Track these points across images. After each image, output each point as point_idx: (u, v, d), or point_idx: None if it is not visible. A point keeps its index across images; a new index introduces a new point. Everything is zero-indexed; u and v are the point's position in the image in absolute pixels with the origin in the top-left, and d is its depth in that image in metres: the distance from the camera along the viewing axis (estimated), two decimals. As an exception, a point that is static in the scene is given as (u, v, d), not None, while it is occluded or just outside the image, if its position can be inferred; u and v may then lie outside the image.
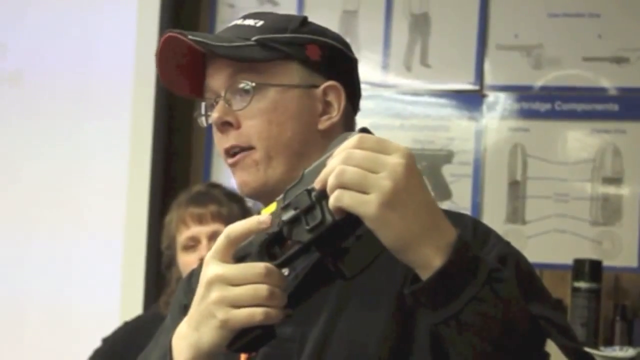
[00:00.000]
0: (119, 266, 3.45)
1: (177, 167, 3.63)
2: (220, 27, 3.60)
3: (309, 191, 1.17)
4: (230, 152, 1.45)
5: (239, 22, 1.50)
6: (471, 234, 1.38)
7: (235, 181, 1.46)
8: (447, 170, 3.41)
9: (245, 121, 1.44)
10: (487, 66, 3.44)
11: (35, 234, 3.55)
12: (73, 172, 3.55)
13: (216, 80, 1.46)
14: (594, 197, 3.35)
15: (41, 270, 3.53)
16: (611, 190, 3.34)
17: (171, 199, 2.88)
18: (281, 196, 1.22)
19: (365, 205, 1.12)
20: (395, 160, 1.14)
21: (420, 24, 3.49)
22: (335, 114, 1.47)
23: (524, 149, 3.41)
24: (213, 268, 1.24)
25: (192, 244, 2.66)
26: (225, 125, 1.44)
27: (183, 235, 2.67)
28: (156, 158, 3.54)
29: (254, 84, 1.43)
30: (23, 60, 3.64)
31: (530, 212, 3.34)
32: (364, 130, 1.20)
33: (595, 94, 3.37)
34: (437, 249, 1.14)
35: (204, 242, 2.65)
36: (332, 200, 1.14)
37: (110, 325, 2.93)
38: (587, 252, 3.26)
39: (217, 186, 2.80)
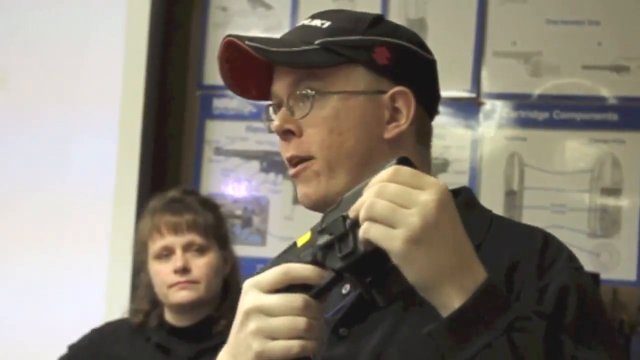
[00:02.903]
0: (104, 274, 3.44)
1: (167, 171, 3.62)
2: (212, 30, 3.61)
3: (344, 217, 1.17)
4: (292, 162, 1.41)
5: (307, 22, 1.44)
6: (538, 253, 1.33)
7: (298, 193, 1.42)
8: (442, 180, 3.11)
9: (307, 130, 1.39)
10: (484, 73, 3.43)
11: (18, 242, 3.54)
12: (58, 176, 3.55)
13: (279, 86, 1.42)
14: (592, 209, 3.34)
15: (23, 280, 3.53)
16: (610, 201, 3.33)
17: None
18: (315, 224, 1.22)
19: (391, 240, 1.12)
20: (427, 197, 1.12)
21: (416, 29, 3.25)
22: (403, 122, 1.41)
23: (521, 158, 3.40)
24: (252, 297, 1.22)
25: (166, 254, 2.62)
26: (287, 134, 1.40)
27: (157, 244, 2.63)
28: (144, 161, 3.52)
29: (314, 92, 1.38)
30: (9, 60, 3.63)
31: (527, 223, 3.29)
32: (403, 159, 1.17)
33: (594, 103, 3.36)
34: (460, 289, 1.13)
35: (179, 252, 2.60)
36: (360, 232, 1.14)
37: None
38: (585, 265, 2.95)
39: (191, 193, 2.76)
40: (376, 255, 1.14)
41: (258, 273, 1.25)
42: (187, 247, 2.60)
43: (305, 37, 1.41)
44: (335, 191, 1.36)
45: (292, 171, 1.41)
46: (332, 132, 1.38)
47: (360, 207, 1.15)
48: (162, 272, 2.60)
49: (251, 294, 1.22)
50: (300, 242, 1.24)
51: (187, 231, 2.61)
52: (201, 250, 2.61)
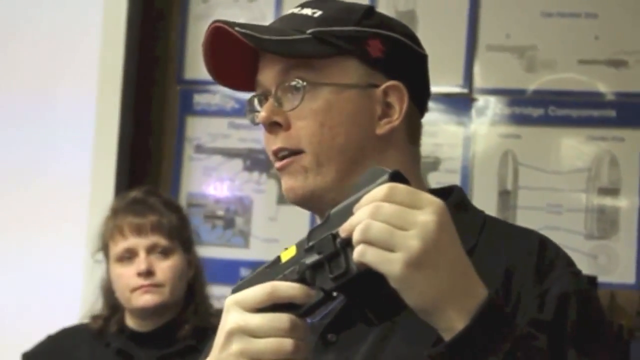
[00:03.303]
0: (80, 277, 3.39)
1: (146, 170, 3.61)
2: (192, 22, 3.60)
3: (334, 236, 1.15)
4: (279, 155, 1.40)
5: (296, 10, 1.43)
6: (535, 258, 1.32)
7: (283, 186, 1.41)
8: (433, 179, 3.35)
9: (296, 122, 1.38)
10: (476, 68, 3.42)
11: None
12: (32, 176, 3.54)
13: (266, 76, 1.40)
14: (589, 209, 3.32)
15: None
16: (607, 201, 3.32)
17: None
18: (301, 239, 1.20)
19: (390, 264, 1.10)
20: (425, 218, 1.10)
21: (406, 21, 3.30)
22: (396, 117, 1.40)
23: (515, 156, 3.38)
24: (235, 317, 1.20)
25: (129, 256, 2.59)
26: (274, 126, 1.39)
27: (119, 246, 2.59)
28: (122, 160, 3.51)
29: (305, 83, 1.37)
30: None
31: (521, 224, 3.21)
32: (396, 174, 1.14)
33: (591, 99, 3.35)
34: (462, 311, 1.12)
35: (142, 254, 2.57)
36: (355, 255, 1.11)
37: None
38: (582, 267, 3.01)
39: (154, 193, 2.73)
40: (369, 275, 1.12)
41: (239, 287, 1.23)
42: (150, 250, 2.58)
43: (296, 26, 1.39)
44: (323, 187, 1.36)
45: (278, 164, 1.40)
46: (323, 126, 1.36)
47: (352, 227, 1.12)
48: (124, 275, 2.58)
49: (234, 313, 1.20)
50: (284, 258, 1.21)
51: (150, 233, 2.58)
52: (165, 253, 2.59)
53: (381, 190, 1.12)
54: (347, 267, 1.13)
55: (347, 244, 1.13)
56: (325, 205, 1.27)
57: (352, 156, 1.37)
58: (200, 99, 3.57)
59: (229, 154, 3.53)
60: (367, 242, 1.10)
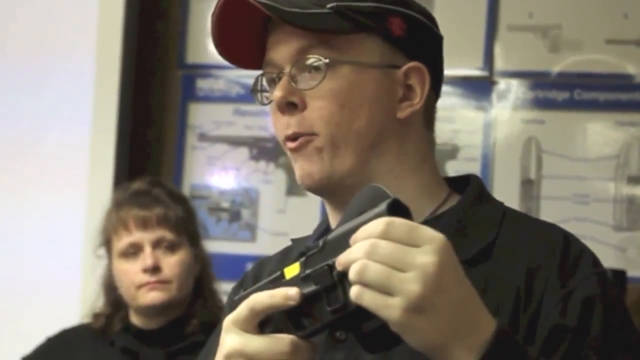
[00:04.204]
0: (78, 276, 3.41)
1: (146, 160, 3.60)
2: (195, 2, 3.57)
3: (331, 267, 1.13)
4: (290, 139, 1.37)
5: None
6: (559, 257, 1.30)
7: (296, 172, 1.38)
8: (451, 167, 3.32)
9: (313, 102, 1.35)
10: (497, 49, 3.39)
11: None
12: (26, 165, 3.54)
13: (280, 53, 1.36)
14: (617, 199, 3.30)
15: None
16: (637, 190, 3.30)
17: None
18: (303, 259, 1.18)
19: (388, 309, 1.09)
20: (425, 260, 1.08)
21: (423, 0, 3.34)
22: (417, 101, 1.37)
23: (538, 143, 3.36)
24: (233, 339, 1.18)
25: (133, 251, 2.56)
26: (290, 107, 1.36)
27: (123, 241, 2.57)
28: (121, 149, 3.50)
29: (327, 60, 1.34)
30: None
31: (546, 215, 3.25)
32: (395, 204, 1.11)
33: (619, 82, 3.31)
34: (470, 349, 1.11)
35: (148, 249, 2.55)
36: (352, 296, 1.10)
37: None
38: (610, 261, 3.16)
39: (159, 184, 2.70)
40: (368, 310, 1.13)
41: (237, 302, 1.21)
42: (156, 244, 2.55)
43: (313, 0, 1.37)
44: (341, 172, 1.35)
45: (292, 145, 1.36)
46: (342, 108, 1.34)
47: (348, 263, 1.11)
48: (129, 272, 2.56)
49: (232, 335, 1.18)
50: (288, 274, 1.19)
51: (157, 226, 2.56)
52: (172, 248, 2.57)
53: (378, 225, 1.10)
54: (345, 301, 1.12)
55: (344, 275, 1.12)
56: (345, 192, 1.28)
57: (372, 140, 1.35)
58: (203, 84, 3.55)
59: (234, 142, 3.51)
60: (364, 284, 1.09)
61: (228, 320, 1.19)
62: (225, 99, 3.50)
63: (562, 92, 3.33)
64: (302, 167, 1.37)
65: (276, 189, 3.46)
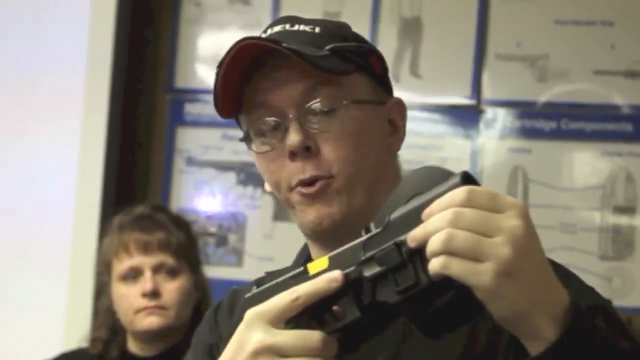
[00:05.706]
0: (63, 296, 3.43)
1: (133, 184, 3.61)
2: (184, 27, 3.60)
3: (399, 245, 1.11)
4: (308, 182, 1.37)
5: (288, 27, 1.42)
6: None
7: (309, 215, 1.37)
8: None
9: (326, 145, 1.36)
10: (485, 78, 3.41)
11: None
12: (14, 190, 3.55)
13: (282, 96, 1.37)
14: (603, 228, 3.32)
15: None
16: (623, 220, 3.32)
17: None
18: (333, 253, 1.17)
19: (479, 275, 1.06)
20: (512, 222, 1.07)
21: (411, 29, 3.49)
22: (401, 134, 1.44)
23: (525, 172, 3.38)
24: (261, 334, 1.16)
25: (133, 275, 2.55)
26: (306, 152, 1.36)
27: (124, 264, 2.56)
28: (108, 173, 3.50)
29: (345, 102, 1.36)
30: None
31: None
32: (467, 176, 1.09)
33: (606, 112, 3.34)
34: (550, 318, 1.09)
35: (148, 274, 2.54)
36: (436, 267, 1.08)
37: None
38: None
39: (161, 209, 2.72)
40: (437, 286, 1.11)
41: (255, 298, 1.20)
42: (157, 269, 2.55)
43: (305, 42, 1.39)
44: (358, 209, 1.36)
45: (309, 190, 1.36)
46: (356, 148, 1.37)
47: (426, 236, 1.09)
48: (128, 296, 2.55)
49: (259, 331, 1.16)
50: (313, 269, 1.18)
51: (158, 251, 2.55)
52: (172, 273, 2.56)
53: (459, 194, 1.08)
54: (416, 279, 1.10)
55: (415, 253, 1.10)
56: (352, 230, 1.24)
57: (378, 175, 1.38)
58: (191, 109, 3.56)
59: (222, 167, 3.53)
60: (451, 253, 1.07)
61: (252, 314, 1.18)
62: (213, 123, 3.49)
63: (549, 121, 3.34)
64: (319, 210, 1.36)
65: (263, 214, 3.47)
